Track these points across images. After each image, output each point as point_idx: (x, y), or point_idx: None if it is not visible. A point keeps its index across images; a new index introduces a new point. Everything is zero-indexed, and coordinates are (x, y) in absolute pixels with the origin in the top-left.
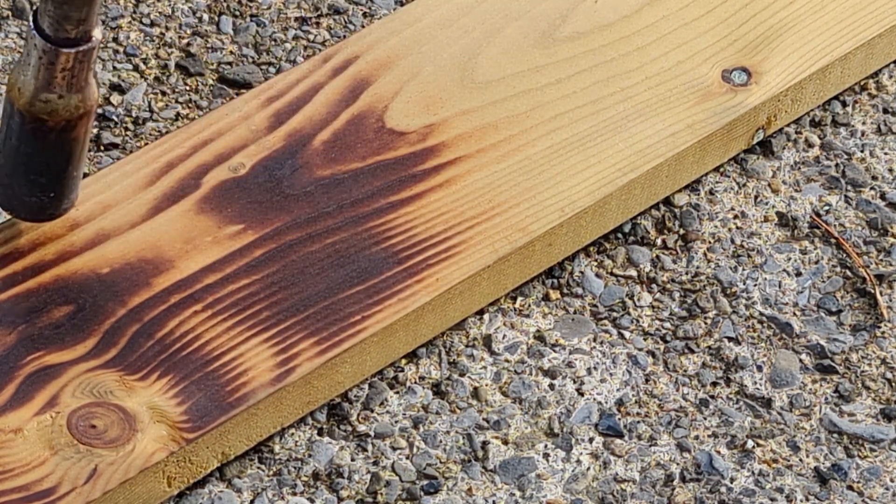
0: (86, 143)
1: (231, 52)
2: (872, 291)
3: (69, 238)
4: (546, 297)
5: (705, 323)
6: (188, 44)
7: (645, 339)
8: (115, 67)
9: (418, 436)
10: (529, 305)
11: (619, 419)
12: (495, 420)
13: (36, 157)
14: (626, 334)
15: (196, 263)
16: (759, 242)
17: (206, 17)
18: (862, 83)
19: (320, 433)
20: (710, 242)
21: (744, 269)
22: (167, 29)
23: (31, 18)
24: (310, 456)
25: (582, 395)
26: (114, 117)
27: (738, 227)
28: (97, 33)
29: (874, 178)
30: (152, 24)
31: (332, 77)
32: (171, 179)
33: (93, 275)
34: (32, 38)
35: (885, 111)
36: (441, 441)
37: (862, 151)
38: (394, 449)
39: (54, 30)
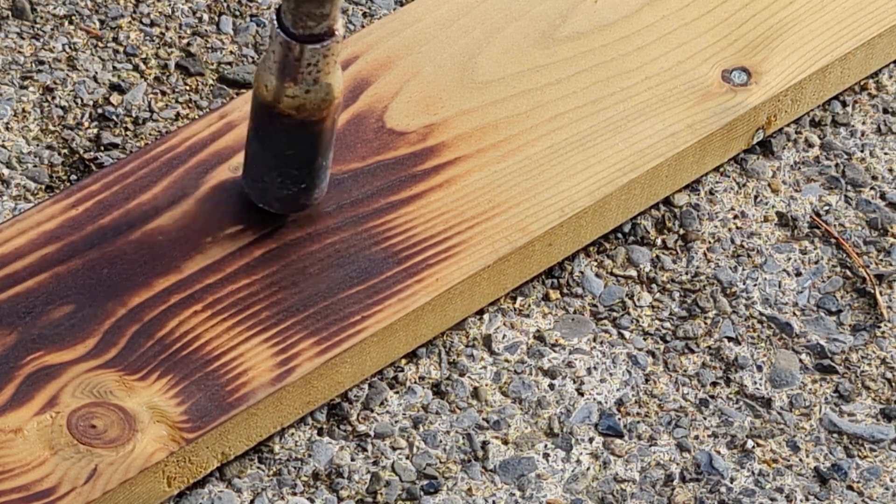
0: (333, 133)
1: (231, 52)
2: (872, 291)
3: (69, 238)
4: (546, 297)
5: (705, 323)
6: (188, 44)
7: (645, 339)
8: (115, 67)
9: (418, 436)
10: (529, 305)
11: (619, 419)
12: (495, 420)
13: (287, 150)
14: (626, 334)
15: (196, 263)
16: (759, 242)
17: (206, 17)
18: (862, 83)
19: (320, 433)
20: (710, 242)
21: (744, 269)
22: (167, 29)
23: (273, 17)
24: (310, 456)
25: (582, 395)
26: (114, 117)
27: (738, 227)
28: (340, 27)
29: (874, 178)
30: (152, 24)
31: None
32: (171, 179)
33: (93, 275)
34: (277, 36)
35: (885, 111)
36: (441, 441)
37: (862, 151)
38: (394, 449)
39: (299, 27)
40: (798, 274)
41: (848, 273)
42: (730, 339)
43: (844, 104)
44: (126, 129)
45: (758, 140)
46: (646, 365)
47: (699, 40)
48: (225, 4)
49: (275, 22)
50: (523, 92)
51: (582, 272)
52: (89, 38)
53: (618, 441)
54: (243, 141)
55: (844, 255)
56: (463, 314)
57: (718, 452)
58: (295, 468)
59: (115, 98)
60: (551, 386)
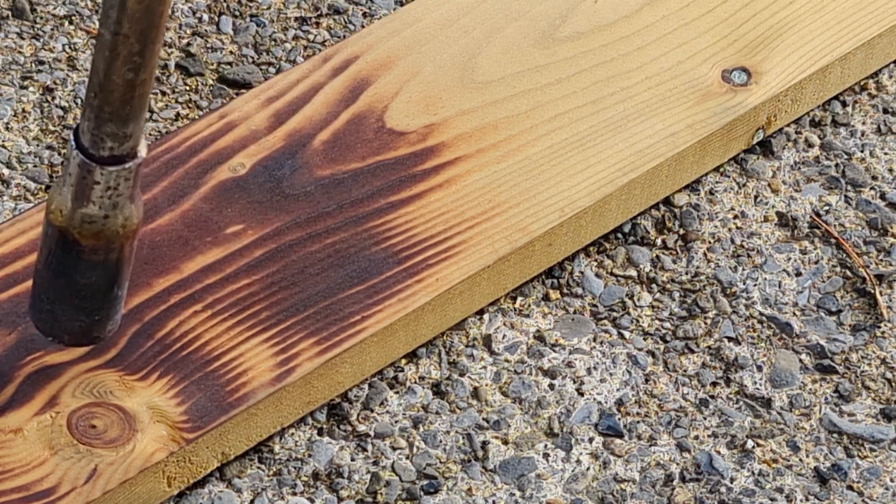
0: (131, 262)
1: (231, 52)
2: (872, 291)
3: None
4: (546, 297)
5: (705, 323)
6: (188, 44)
7: (645, 339)
8: None
9: (418, 436)
10: (529, 305)
11: (619, 419)
12: (495, 420)
13: (80, 279)
14: (626, 334)
15: (196, 263)
16: (759, 242)
17: (206, 17)
18: (862, 83)
19: (320, 433)
20: (710, 242)
21: (744, 269)
22: (167, 29)
23: (71, 136)
24: (310, 456)
25: (582, 395)
26: None
27: (738, 227)
28: (143, 149)
29: (874, 178)
30: None
31: (332, 77)
32: (171, 179)
33: None
34: (74, 157)
35: (885, 111)
36: (441, 441)
37: (862, 151)
38: (394, 449)
39: (98, 147)
40: (798, 274)
41: (848, 273)
42: (730, 339)
43: (844, 104)
44: None
45: (758, 140)
46: (646, 365)
47: (699, 40)
48: (225, 4)
49: (72, 142)
50: (523, 92)
51: (582, 272)
52: (89, 38)
53: (618, 441)
54: (243, 141)
55: (844, 255)
56: (463, 314)
57: (718, 452)
58: (295, 468)
59: None
60: (551, 386)
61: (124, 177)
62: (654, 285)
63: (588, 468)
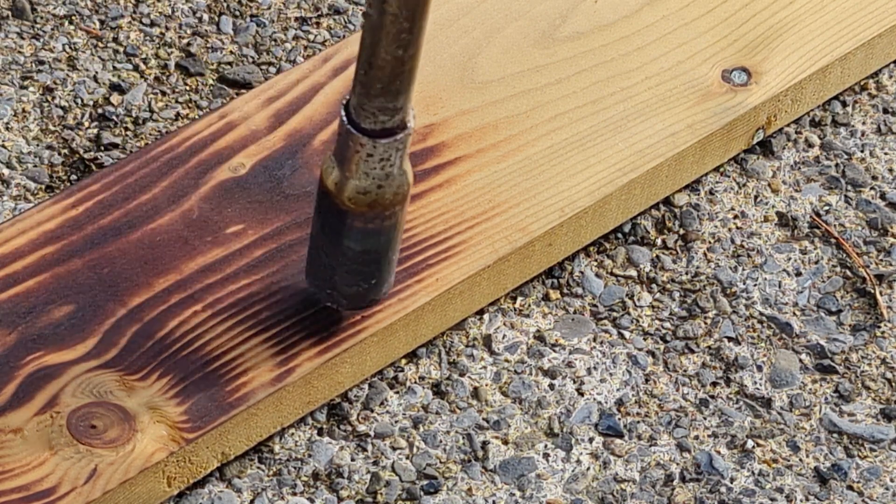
0: (402, 226)
1: (231, 52)
2: (872, 291)
3: (69, 238)
4: (546, 297)
5: (705, 323)
6: (188, 44)
7: (645, 339)
8: (115, 67)
9: (418, 436)
10: (529, 305)
11: (619, 419)
12: (495, 420)
13: (358, 246)
14: (626, 334)
15: (196, 263)
16: (759, 242)
17: (206, 17)
18: (862, 83)
19: (320, 433)
20: (710, 242)
21: (744, 269)
22: (167, 29)
23: (342, 112)
24: (310, 456)
25: (582, 395)
26: (114, 117)
27: (738, 227)
28: (411, 120)
29: (874, 178)
30: (152, 24)
31: (332, 77)
32: (171, 179)
33: (93, 275)
34: (348, 132)
35: (885, 111)
36: (441, 441)
37: (862, 151)
38: (394, 449)
39: (371, 122)
40: (798, 274)
41: (848, 273)
42: (730, 339)
43: (844, 104)
44: (126, 129)
45: (758, 140)
46: (646, 365)
47: (699, 40)
48: (225, 4)
49: (343, 116)
50: (523, 92)
51: (582, 272)
52: (89, 38)
53: (618, 441)
54: (243, 141)
55: (844, 255)
56: (463, 314)
57: (718, 452)
58: (295, 468)
59: (115, 98)
60: (551, 386)
61: (395, 147)
62: (654, 285)
63: (588, 468)
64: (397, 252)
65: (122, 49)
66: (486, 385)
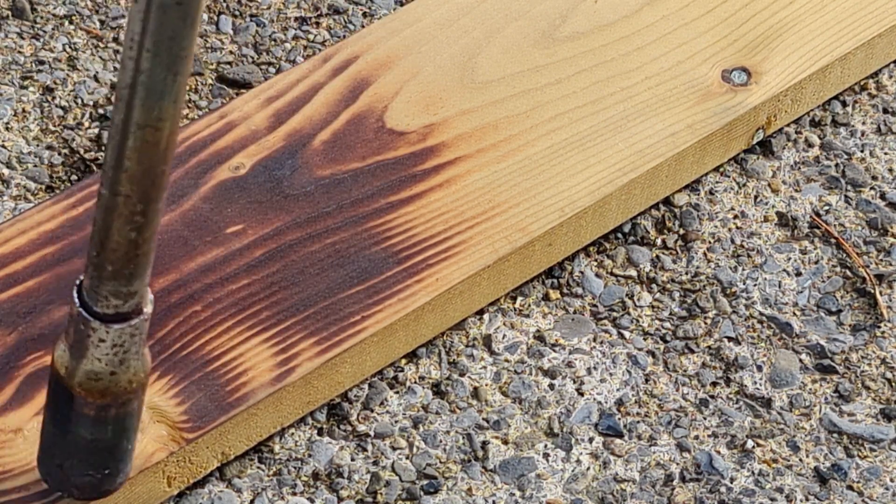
0: (140, 415)
1: (231, 52)
2: (872, 291)
3: (69, 238)
4: (546, 297)
5: (705, 323)
6: None
7: (645, 339)
8: (115, 67)
9: (418, 436)
10: (529, 305)
11: (619, 419)
12: (495, 420)
13: (90, 435)
14: (626, 334)
15: (196, 263)
16: (759, 242)
17: (205, 16)
18: (862, 83)
19: (320, 433)
20: (710, 242)
21: (744, 269)
22: None
23: (74, 295)
24: (310, 456)
25: (582, 394)
26: None
27: (738, 227)
28: (148, 305)
29: (874, 178)
30: None
31: (332, 77)
32: (171, 179)
33: None
34: (78, 314)
35: (885, 111)
36: (441, 441)
37: (862, 151)
38: (394, 449)
39: (102, 305)
40: (798, 274)
41: (848, 273)
42: (730, 339)
43: (844, 104)
44: None
45: (758, 140)
46: (646, 365)
47: (699, 40)
48: (224, 4)
49: (75, 298)
50: (523, 92)
51: (582, 272)
52: (89, 38)
53: (618, 441)
54: (243, 141)
55: (844, 255)
56: (463, 314)
57: (718, 452)
58: (295, 468)
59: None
60: (551, 386)
61: (130, 333)
62: (654, 285)
63: (588, 468)
64: (133, 440)
65: (122, 49)
66: (486, 385)
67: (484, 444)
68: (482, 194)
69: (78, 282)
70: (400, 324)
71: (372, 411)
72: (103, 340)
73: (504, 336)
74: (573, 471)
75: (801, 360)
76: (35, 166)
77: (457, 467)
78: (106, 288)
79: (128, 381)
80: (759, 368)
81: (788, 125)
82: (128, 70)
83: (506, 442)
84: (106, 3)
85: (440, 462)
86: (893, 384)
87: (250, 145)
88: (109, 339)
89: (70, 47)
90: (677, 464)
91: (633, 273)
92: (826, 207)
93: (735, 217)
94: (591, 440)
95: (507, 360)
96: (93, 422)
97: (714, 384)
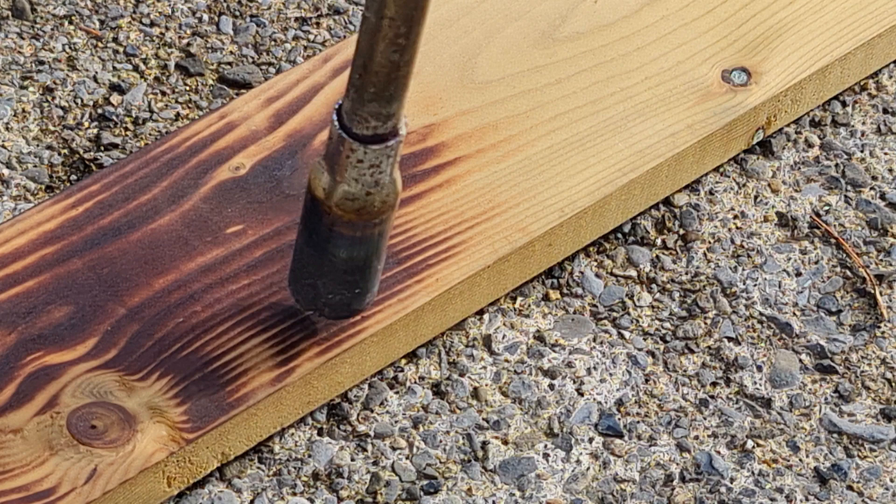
0: (388, 235)
1: (231, 53)
2: (872, 291)
3: (69, 238)
4: (546, 297)
5: (705, 323)
6: (188, 44)
7: (645, 339)
8: (115, 67)
9: (418, 436)
10: (529, 305)
11: (619, 419)
12: (495, 420)
13: (343, 254)
14: (626, 334)
15: (196, 263)
16: (758, 242)
17: (205, 17)
18: (862, 83)
19: (320, 433)
20: (709, 242)
21: (744, 269)
22: (167, 29)
23: (334, 118)
24: (310, 456)
25: (582, 395)
26: (114, 117)
27: (737, 227)
28: (403, 127)
29: (874, 178)
30: (152, 24)
31: (332, 77)
32: (171, 179)
33: (93, 275)
34: (339, 136)
35: (885, 111)
36: (441, 441)
37: (862, 151)
38: (394, 449)
39: (363, 127)
40: (798, 274)
41: (848, 273)
42: (730, 339)
43: (844, 104)
44: (126, 129)
45: (758, 140)
46: (646, 365)
47: (699, 40)
48: (225, 4)
49: (335, 121)
50: (523, 92)
51: (582, 272)
52: (89, 38)
53: (618, 441)
54: (243, 141)
55: (844, 255)
56: (463, 314)
57: (718, 452)
58: (295, 468)
59: (115, 98)
60: (551, 386)
61: (386, 154)
62: (654, 285)
63: (588, 468)
64: (383, 261)
65: (121, 49)
66: (486, 385)
67: (484, 444)
68: (482, 194)
69: (337, 105)
70: (400, 324)
71: (372, 411)
72: (361, 161)
73: (504, 336)
74: (573, 471)
75: (801, 361)
76: (35, 166)
77: (457, 467)
78: (366, 110)
79: (381, 202)
80: (759, 368)
81: (788, 125)
82: None
83: (506, 442)
84: (106, 4)
85: (440, 462)
86: (893, 384)
87: (250, 145)
88: (367, 159)
89: (70, 47)
90: (677, 464)
91: (633, 273)
92: (826, 207)
93: (735, 217)
94: (591, 440)
95: (507, 361)
96: (348, 241)
97: (714, 384)
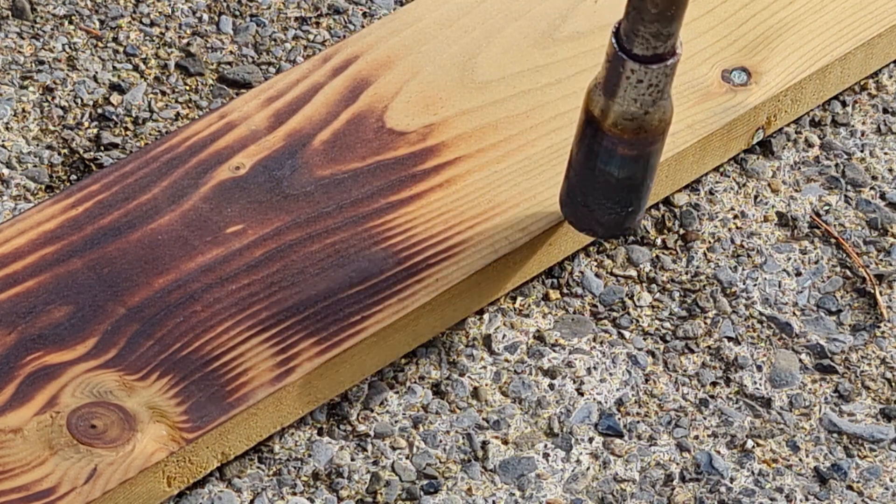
0: (661, 154)
1: (231, 52)
2: (872, 291)
3: (69, 238)
4: (546, 297)
5: (705, 323)
6: (188, 44)
7: (645, 339)
8: (115, 67)
9: (418, 436)
10: (529, 305)
11: (619, 419)
12: (495, 420)
13: (620, 173)
14: (626, 334)
15: (196, 263)
16: (758, 242)
17: (205, 17)
18: (862, 83)
19: (320, 433)
20: (709, 242)
21: (744, 269)
22: (167, 29)
23: (612, 39)
24: (310, 456)
25: (582, 394)
26: (114, 117)
27: (737, 227)
28: (680, 47)
29: (874, 178)
30: (152, 24)
31: (332, 77)
32: (171, 179)
33: (93, 275)
34: (618, 57)
35: (885, 111)
36: (441, 441)
37: (862, 151)
38: (394, 449)
39: (644, 48)
40: (798, 274)
41: (848, 273)
42: (730, 339)
43: (844, 104)
44: (126, 129)
45: (758, 140)
46: (646, 365)
47: (699, 40)
48: (225, 4)
49: (614, 43)
50: (523, 92)
51: (582, 272)
52: (89, 38)
53: (618, 441)
54: (243, 141)
55: (844, 255)
56: (463, 314)
57: (718, 452)
58: (295, 468)
59: (115, 98)
60: (551, 386)
61: (665, 73)
62: (654, 285)
63: (588, 468)
64: (654, 180)
65: (122, 49)
66: (486, 385)
67: (484, 444)
68: (482, 194)
69: (615, 27)
70: (400, 324)
71: (372, 411)
72: (641, 81)
73: (504, 336)
74: (573, 471)
75: (800, 360)
76: (35, 166)
77: (457, 467)
78: (647, 30)
79: (658, 121)
80: (759, 368)
81: (788, 125)
82: None
83: (506, 442)
84: (106, 3)
85: (440, 462)
86: (893, 384)
87: (250, 145)
88: (647, 79)
89: (70, 47)
90: (677, 464)
91: (633, 273)
92: (826, 207)
93: (735, 217)
94: (591, 440)
95: (506, 360)
96: (623, 160)
97: (714, 384)
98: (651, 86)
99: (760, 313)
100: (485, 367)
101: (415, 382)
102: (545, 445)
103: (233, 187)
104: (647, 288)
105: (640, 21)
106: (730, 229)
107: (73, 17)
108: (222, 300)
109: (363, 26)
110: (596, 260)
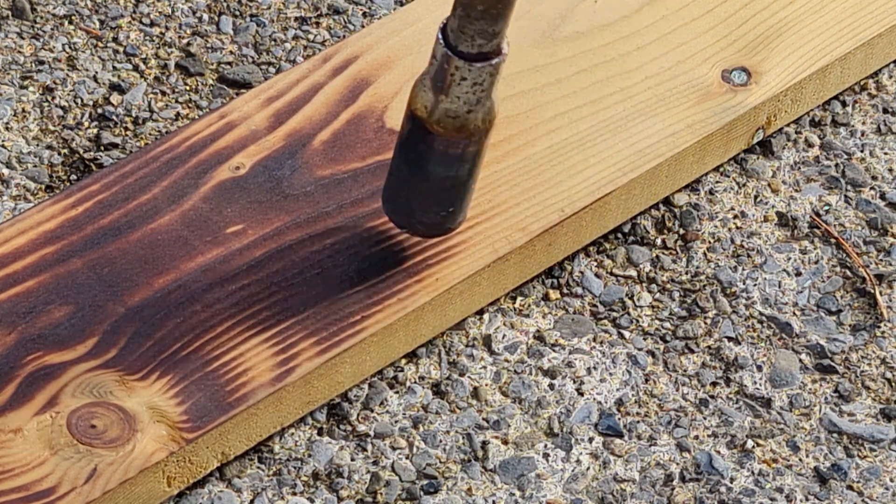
0: (484, 156)
1: (231, 52)
2: (872, 291)
3: (69, 238)
4: (546, 297)
5: (705, 323)
6: (188, 44)
7: (645, 339)
8: (115, 67)
9: (418, 436)
10: (529, 305)
11: (619, 419)
12: (495, 420)
13: (441, 173)
14: (626, 334)
15: (196, 263)
16: (758, 242)
17: (205, 17)
18: (862, 83)
19: (320, 433)
20: (709, 242)
21: (744, 269)
22: (167, 29)
23: (439, 35)
24: (309, 456)
25: (582, 394)
26: (114, 117)
27: (737, 227)
28: (506, 46)
29: (874, 178)
30: (152, 24)
31: (332, 77)
32: (171, 179)
33: (93, 275)
34: (444, 55)
35: (885, 111)
36: (441, 441)
37: (862, 151)
38: (394, 449)
39: (468, 45)
40: (798, 274)
41: (848, 273)
42: (730, 339)
43: (844, 104)
44: (126, 129)
45: (758, 140)
46: (646, 365)
47: (699, 40)
48: (225, 4)
49: (440, 39)
50: (523, 92)
51: (582, 272)
52: (89, 38)
53: (618, 441)
54: (243, 141)
55: (844, 255)
56: (463, 314)
57: (718, 452)
58: (295, 468)
59: (115, 98)
60: (551, 386)
61: (489, 72)
62: (654, 285)
63: (588, 468)
64: (476, 181)
65: (121, 49)
66: (486, 385)
67: (484, 444)
68: (482, 194)
69: (442, 24)
70: (400, 324)
71: (372, 411)
72: (465, 79)
73: (504, 336)
74: (573, 471)
75: (801, 360)
76: (35, 166)
77: (457, 467)
78: (473, 27)
79: (481, 120)
80: (759, 368)
81: (788, 125)
82: None
83: (506, 442)
84: (106, 3)
85: (440, 462)
86: (893, 384)
87: (250, 145)
88: (471, 77)
89: (70, 47)
90: (677, 464)
91: (633, 273)
92: (826, 207)
93: (735, 217)
94: (590, 440)
95: (506, 360)
96: (446, 159)
97: (714, 384)
98: (475, 84)
99: (760, 313)
100: (485, 367)
101: (415, 382)
102: (545, 445)
103: (233, 187)
104: (647, 288)
105: (467, 18)
106: (730, 229)
107: (73, 17)
108: (222, 300)
109: (363, 26)
110: (596, 260)
